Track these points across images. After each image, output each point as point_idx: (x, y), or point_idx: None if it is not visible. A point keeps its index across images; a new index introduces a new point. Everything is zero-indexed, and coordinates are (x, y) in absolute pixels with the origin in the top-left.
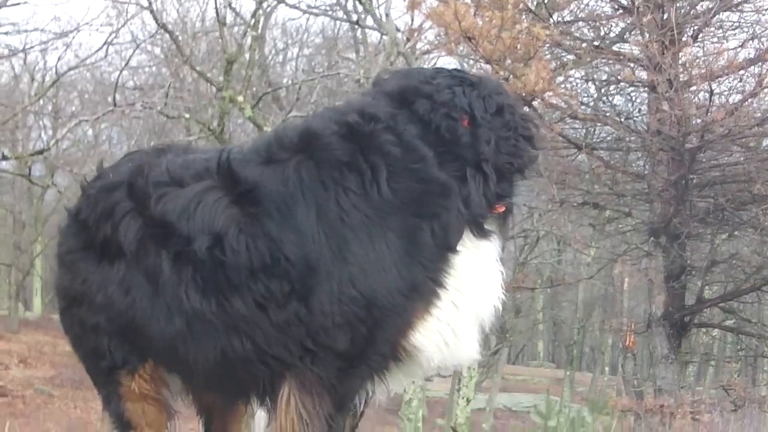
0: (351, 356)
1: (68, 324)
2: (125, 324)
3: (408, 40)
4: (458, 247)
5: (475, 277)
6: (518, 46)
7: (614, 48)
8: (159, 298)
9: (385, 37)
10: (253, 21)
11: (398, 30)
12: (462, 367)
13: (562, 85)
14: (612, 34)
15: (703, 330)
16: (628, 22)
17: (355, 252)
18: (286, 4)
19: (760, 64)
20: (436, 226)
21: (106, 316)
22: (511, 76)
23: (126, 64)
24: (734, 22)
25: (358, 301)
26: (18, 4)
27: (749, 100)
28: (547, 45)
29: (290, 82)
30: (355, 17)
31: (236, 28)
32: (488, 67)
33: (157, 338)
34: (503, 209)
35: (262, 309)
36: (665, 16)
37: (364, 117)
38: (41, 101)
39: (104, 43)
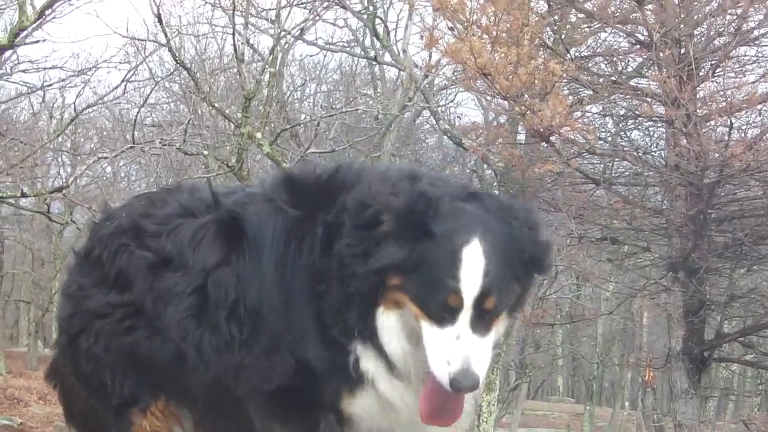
0: (294, 413)
1: (73, 359)
2: (127, 349)
3: (426, 76)
4: (357, 349)
5: (389, 387)
6: (535, 82)
7: (632, 83)
8: (160, 325)
9: (402, 73)
10: (270, 58)
11: (416, 66)
12: None
13: (580, 120)
14: (629, 69)
15: (723, 365)
16: (646, 57)
17: (299, 318)
18: (304, 41)
19: None
20: (329, 317)
21: (108, 344)
22: (528, 111)
23: (144, 102)
24: (752, 57)
25: (292, 367)
26: (37, 42)
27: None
28: (565, 80)
29: (308, 118)
30: (372, 53)
31: (254, 65)
32: (505, 102)
33: (156, 362)
34: None
35: (227, 347)
36: (683, 51)
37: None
38: (60, 138)
39: (122, 81)
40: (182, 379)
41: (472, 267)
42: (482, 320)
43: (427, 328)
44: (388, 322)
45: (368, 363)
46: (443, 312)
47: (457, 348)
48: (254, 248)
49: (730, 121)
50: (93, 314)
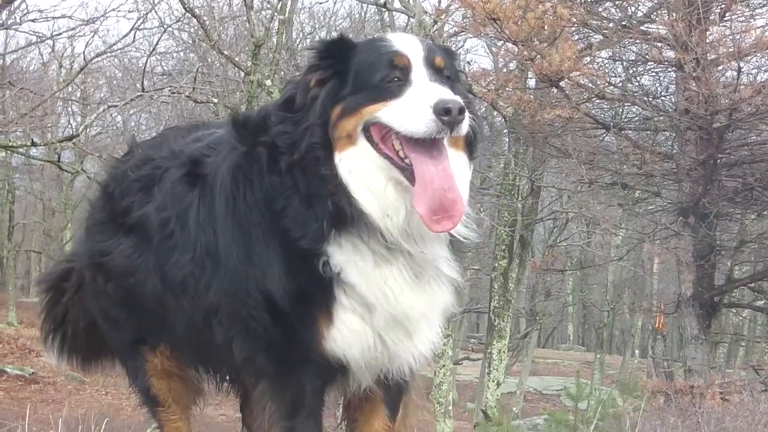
0: (276, 366)
1: (93, 295)
2: (130, 290)
3: (435, 22)
4: (329, 250)
5: (361, 279)
6: (544, 27)
7: (641, 28)
8: (150, 264)
9: (412, 19)
10: (280, 5)
11: (425, 12)
12: (415, 365)
13: (589, 65)
14: (639, 14)
15: (733, 310)
16: (655, 1)
17: (258, 253)
18: None
19: None
20: (296, 229)
21: (117, 284)
22: (538, 56)
23: (153, 50)
24: (762, 1)
25: (262, 305)
26: None
27: None
28: (574, 25)
29: None
30: (382, 0)
31: (263, 13)
32: (514, 48)
33: (149, 301)
34: None
35: (194, 290)
36: None
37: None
38: (70, 88)
39: (131, 29)
40: (167, 322)
41: (408, 38)
42: (440, 77)
43: (388, 109)
44: (347, 164)
45: (340, 253)
46: (395, 81)
47: (425, 91)
48: (209, 191)
49: (739, 65)
50: (104, 251)
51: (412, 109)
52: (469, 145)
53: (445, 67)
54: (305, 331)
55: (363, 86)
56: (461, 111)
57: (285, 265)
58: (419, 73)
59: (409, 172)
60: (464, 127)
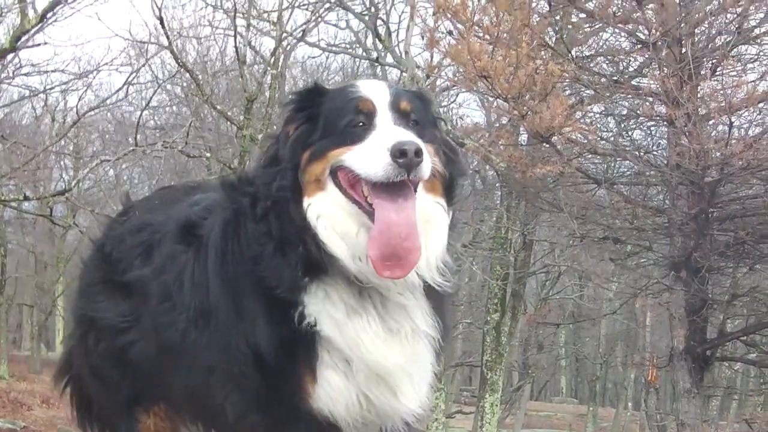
0: (268, 424)
1: (84, 354)
2: (125, 350)
3: (428, 77)
4: (305, 300)
5: (336, 331)
6: (535, 83)
7: (633, 82)
8: (146, 326)
9: (405, 74)
10: (272, 59)
11: (418, 67)
12: (411, 421)
13: (581, 120)
14: (631, 69)
15: (726, 364)
16: (647, 56)
17: (245, 306)
18: (306, 43)
19: None
20: (271, 278)
21: (110, 344)
22: (529, 112)
23: (147, 104)
24: (753, 55)
25: (250, 360)
26: (39, 45)
27: None
28: (566, 80)
29: None
30: (374, 55)
31: (256, 67)
32: (505, 104)
33: (144, 362)
34: None
35: (192, 350)
36: (683, 50)
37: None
38: (62, 142)
39: (124, 83)
40: (164, 383)
41: (375, 83)
42: (405, 121)
43: (352, 153)
44: (316, 208)
45: (314, 303)
46: (359, 126)
47: (385, 135)
48: (204, 250)
49: (730, 119)
50: (98, 312)
51: (371, 153)
52: (448, 190)
53: (412, 110)
54: (291, 387)
55: (331, 131)
56: (418, 153)
57: (268, 316)
58: (384, 117)
59: (373, 218)
60: (424, 169)
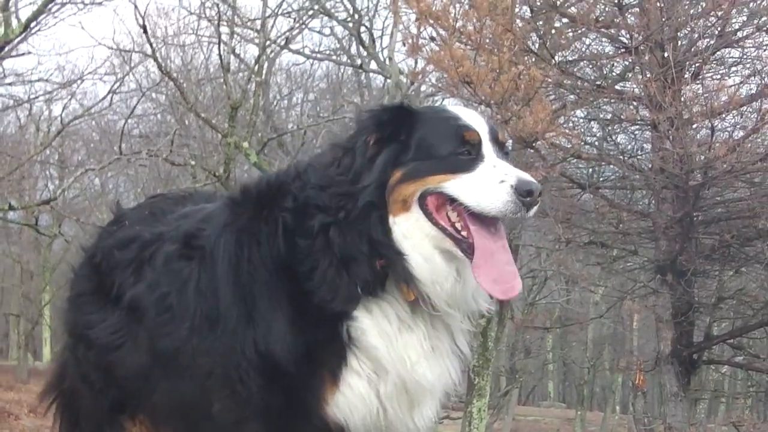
0: (260, 427)
1: (74, 363)
2: (115, 361)
3: (412, 83)
4: (355, 313)
5: (384, 343)
6: (518, 88)
7: (616, 87)
8: (139, 340)
9: (389, 80)
10: (257, 67)
11: (402, 73)
12: None
13: (565, 125)
14: (614, 74)
15: (713, 367)
16: (629, 61)
17: (261, 312)
18: (290, 50)
19: (761, 99)
20: (324, 292)
21: (99, 355)
22: (512, 118)
23: (131, 113)
24: (735, 58)
25: (256, 366)
26: (22, 54)
27: (752, 136)
28: (550, 86)
29: (295, 127)
30: (358, 61)
31: (240, 74)
32: (489, 110)
33: (132, 375)
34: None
35: (191, 358)
36: (666, 55)
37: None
38: (47, 151)
39: (109, 92)
40: (149, 397)
41: (472, 113)
42: (503, 153)
43: (458, 182)
44: (402, 228)
45: (367, 317)
46: (465, 155)
47: (501, 169)
48: (209, 259)
49: (712, 123)
50: (88, 324)
51: (487, 186)
52: None
53: (505, 142)
54: (307, 393)
55: (428, 155)
56: (540, 194)
57: (293, 324)
58: (488, 149)
59: (465, 245)
60: (535, 208)
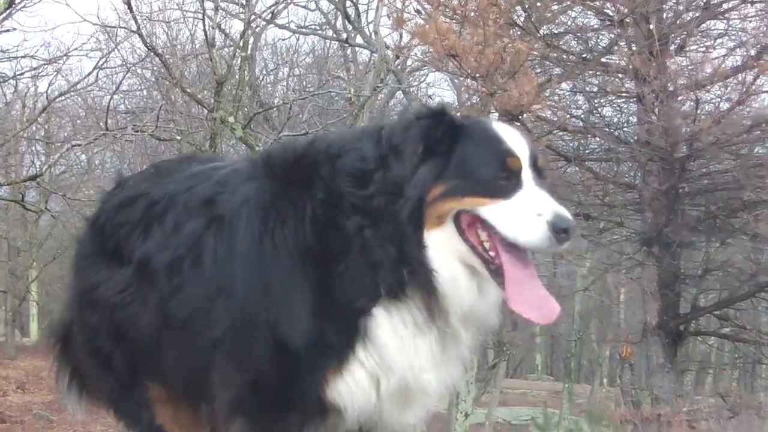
0: (264, 406)
1: (81, 329)
2: (121, 323)
3: (397, 57)
4: (374, 311)
5: (396, 343)
6: (503, 61)
7: (602, 60)
8: (149, 301)
9: (374, 54)
10: (242, 42)
11: (388, 47)
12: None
13: (551, 98)
14: (600, 47)
15: (700, 338)
16: (615, 34)
17: (279, 293)
18: (276, 25)
19: (746, 71)
20: (350, 289)
21: (105, 316)
22: (498, 91)
23: (117, 89)
24: (721, 30)
25: (265, 341)
26: (8, 31)
27: (737, 108)
28: (536, 59)
29: (281, 101)
30: (344, 36)
31: (226, 50)
32: (474, 83)
33: (141, 336)
34: None
35: (202, 325)
36: (650, 27)
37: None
38: (33, 127)
39: (94, 68)
40: (159, 360)
41: (514, 136)
42: (542, 182)
43: (494, 207)
44: (434, 243)
45: (385, 317)
46: (504, 180)
47: (539, 201)
48: (228, 227)
49: (696, 96)
50: (93, 285)
51: (523, 218)
52: None
53: (544, 168)
54: (311, 372)
55: (468, 175)
56: (575, 232)
57: (311, 311)
58: (527, 175)
59: (493, 267)
60: (568, 244)
